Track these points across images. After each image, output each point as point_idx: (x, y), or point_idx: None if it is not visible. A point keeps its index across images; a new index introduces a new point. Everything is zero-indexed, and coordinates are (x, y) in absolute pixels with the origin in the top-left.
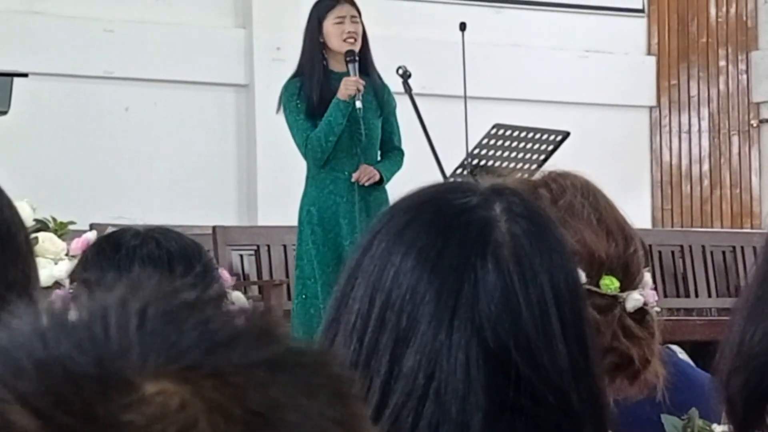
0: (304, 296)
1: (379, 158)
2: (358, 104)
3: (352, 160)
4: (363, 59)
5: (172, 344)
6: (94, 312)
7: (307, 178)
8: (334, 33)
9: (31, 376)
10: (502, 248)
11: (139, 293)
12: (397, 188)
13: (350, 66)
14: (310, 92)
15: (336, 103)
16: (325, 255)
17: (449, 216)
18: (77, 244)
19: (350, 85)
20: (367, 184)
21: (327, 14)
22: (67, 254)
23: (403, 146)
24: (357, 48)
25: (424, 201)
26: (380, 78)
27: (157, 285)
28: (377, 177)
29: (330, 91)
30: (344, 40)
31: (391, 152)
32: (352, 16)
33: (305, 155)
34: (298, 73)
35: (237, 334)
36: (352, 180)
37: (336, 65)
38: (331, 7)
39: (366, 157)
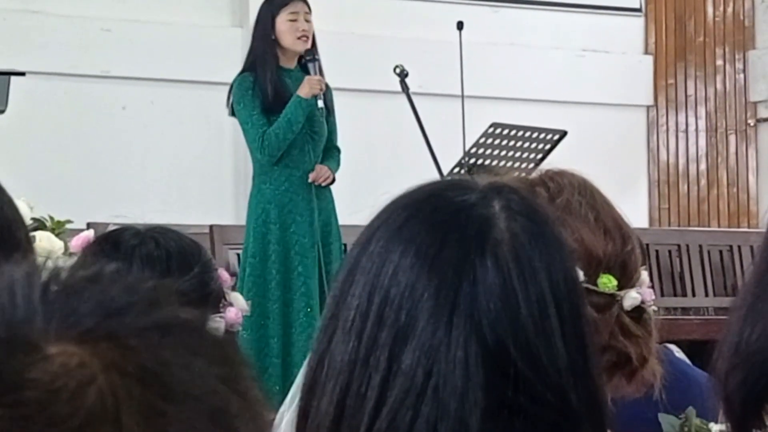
0: (252, 294)
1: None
2: (320, 103)
3: (306, 157)
4: (311, 52)
5: (72, 311)
6: (3, 284)
7: (258, 175)
8: (287, 30)
9: None
10: (501, 246)
11: (43, 268)
12: (395, 186)
13: (311, 65)
14: (265, 88)
15: (298, 101)
16: (279, 254)
17: (448, 213)
18: (77, 242)
19: (314, 85)
20: (324, 184)
21: (280, 11)
22: (65, 253)
23: (401, 146)
24: (308, 46)
25: (423, 198)
26: (324, 77)
27: (58, 262)
28: (332, 177)
29: (283, 87)
30: (298, 38)
31: (331, 151)
32: (306, 13)
33: (259, 151)
34: (248, 69)
35: (131, 303)
36: (309, 180)
37: (286, 62)
38: (284, 3)
39: (317, 155)
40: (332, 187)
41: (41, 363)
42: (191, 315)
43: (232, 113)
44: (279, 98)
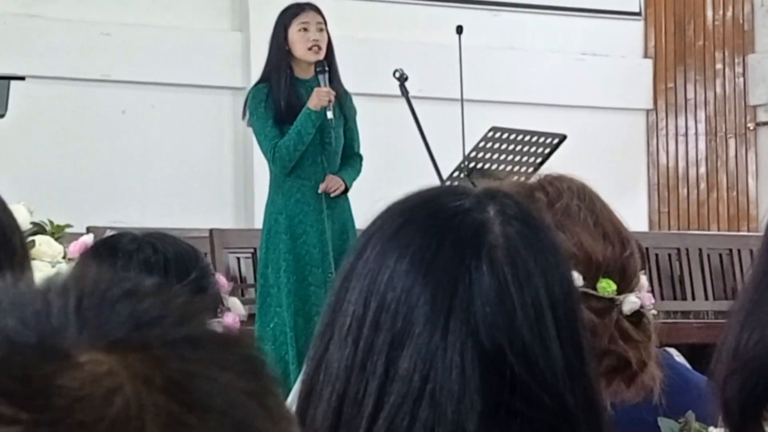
0: (268, 305)
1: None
2: (329, 115)
3: (318, 168)
4: (330, 68)
5: (103, 322)
6: (39, 294)
7: (272, 185)
8: (298, 40)
9: None
10: (496, 250)
11: (81, 280)
12: (394, 191)
13: (320, 77)
14: (277, 99)
15: (308, 113)
16: (290, 263)
17: (443, 219)
18: (75, 248)
19: (323, 96)
20: (334, 194)
21: (292, 21)
22: (64, 257)
23: (400, 149)
24: (322, 56)
25: (418, 204)
26: (342, 86)
27: (97, 274)
28: (343, 187)
29: (296, 98)
30: (309, 48)
31: (352, 158)
32: (318, 23)
33: (272, 162)
34: (264, 80)
35: (161, 316)
36: (320, 191)
37: (301, 72)
38: (296, 14)
39: (330, 166)
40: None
41: (70, 370)
42: (220, 330)
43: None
44: (292, 109)
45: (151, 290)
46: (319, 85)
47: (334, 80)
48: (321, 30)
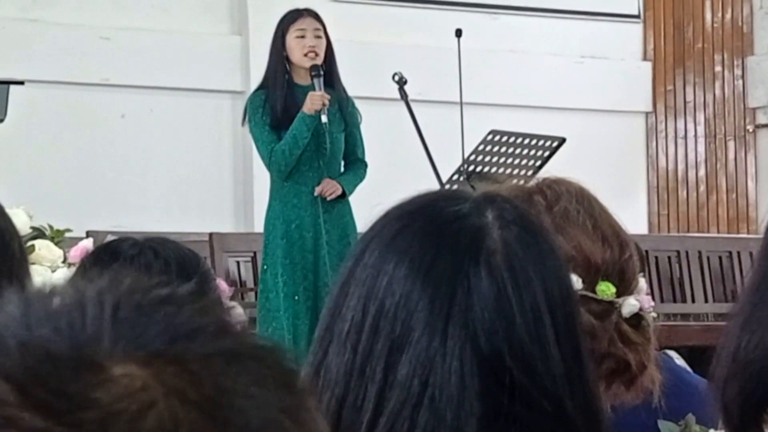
0: (267, 310)
1: (342, 170)
2: (324, 119)
3: (315, 173)
4: (328, 72)
5: (139, 334)
6: (74, 302)
7: (271, 191)
8: (295, 47)
9: (14, 354)
10: (494, 255)
11: (116, 287)
12: (393, 195)
13: (315, 81)
14: (275, 105)
15: (302, 117)
16: (287, 268)
17: (441, 224)
18: (75, 252)
19: (316, 100)
20: (329, 198)
21: (289, 27)
22: (64, 262)
23: (400, 153)
24: (319, 62)
25: (416, 209)
26: (345, 91)
27: (133, 281)
28: (340, 191)
29: (294, 104)
30: (305, 55)
31: (354, 164)
32: (315, 29)
33: (269, 167)
34: (262, 86)
35: (199, 328)
36: (315, 194)
37: (299, 78)
38: (293, 20)
39: (329, 171)
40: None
41: (105, 384)
42: (260, 343)
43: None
44: (289, 115)
45: (188, 300)
46: (314, 89)
47: (335, 85)
48: (318, 36)
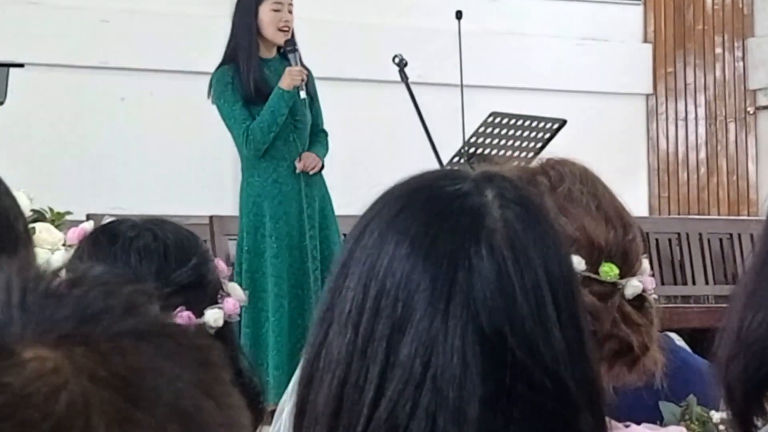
0: (252, 289)
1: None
2: (302, 94)
3: (291, 147)
4: (292, 43)
5: (48, 317)
6: None
7: (246, 168)
8: (270, 21)
9: None
10: (495, 234)
11: (24, 273)
12: (394, 177)
13: (291, 56)
14: (246, 80)
15: (280, 93)
16: (271, 246)
17: (441, 203)
18: (74, 234)
19: (296, 76)
20: (312, 173)
21: (264, 0)
22: (64, 244)
23: (400, 135)
24: (288, 37)
25: (416, 189)
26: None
27: (39, 266)
28: (320, 164)
29: (263, 79)
30: (279, 29)
31: (318, 135)
32: (290, 3)
33: (244, 146)
34: (229, 60)
35: (107, 308)
36: (298, 170)
37: (265, 52)
38: None
39: (302, 144)
40: (330, 177)
41: (15, 368)
42: (169, 320)
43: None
44: (260, 91)
45: (97, 281)
46: (289, 65)
47: (301, 59)
48: (291, 11)
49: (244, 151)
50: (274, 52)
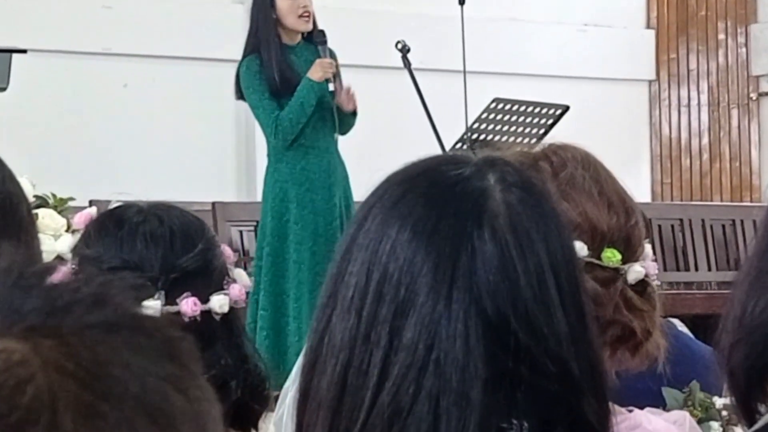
0: (272, 275)
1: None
2: (331, 87)
3: (319, 134)
4: (321, 34)
5: (16, 309)
6: None
7: (273, 154)
8: (288, 9)
9: None
10: (497, 218)
11: None
12: (397, 164)
13: (320, 48)
14: (271, 70)
15: (310, 85)
16: (297, 233)
17: (444, 187)
18: (80, 218)
19: (327, 68)
20: (350, 107)
21: None
22: (67, 230)
23: (403, 121)
24: (311, 25)
25: (418, 173)
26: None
27: (11, 256)
28: (355, 102)
29: (289, 68)
30: (299, 17)
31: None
32: None
33: (273, 136)
34: (252, 51)
35: (76, 300)
36: (345, 108)
37: (288, 39)
38: None
39: (330, 131)
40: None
41: None
42: (140, 312)
43: (240, 97)
44: (286, 79)
45: (69, 271)
46: (318, 55)
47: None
48: None
49: (272, 141)
50: (298, 38)
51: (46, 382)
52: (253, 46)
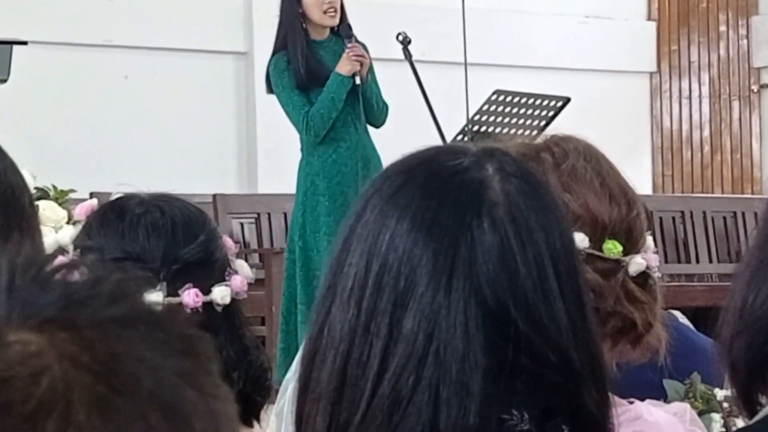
0: (307, 269)
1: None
2: (357, 80)
3: (349, 129)
4: (348, 28)
5: (34, 301)
6: None
7: (305, 148)
8: (314, 4)
9: None
10: (496, 207)
11: (13, 258)
12: (398, 155)
13: (348, 42)
14: (297, 66)
15: (340, 80)
16: (329, 226)
17: (442, 178)
18: (81, 210)
19: (354, 61)
20: (355, 58)
21: None
22: (68, 222)
23: (404, 113)
24: (337, 20)
25: (417, 164)
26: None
27: (30, 251)
28: (367, 60)
29: (316, 61)
30: (325, 12)
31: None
32: None
33: (304, 132)
34: (281, 47)
35: (93, 295)
36: (350, 52)
37: (316, 34)
38: None
39: (360, 124)
40: None
41: None
42: (157, 308)
43: (271, 91)
44: (313, 74)
45: (85, 268)
46: (344, 47)
47: (354, 40)
48: None
49: (303, 137)
50: (326, 33)
51: (61, 373)
52: (281, 41)
